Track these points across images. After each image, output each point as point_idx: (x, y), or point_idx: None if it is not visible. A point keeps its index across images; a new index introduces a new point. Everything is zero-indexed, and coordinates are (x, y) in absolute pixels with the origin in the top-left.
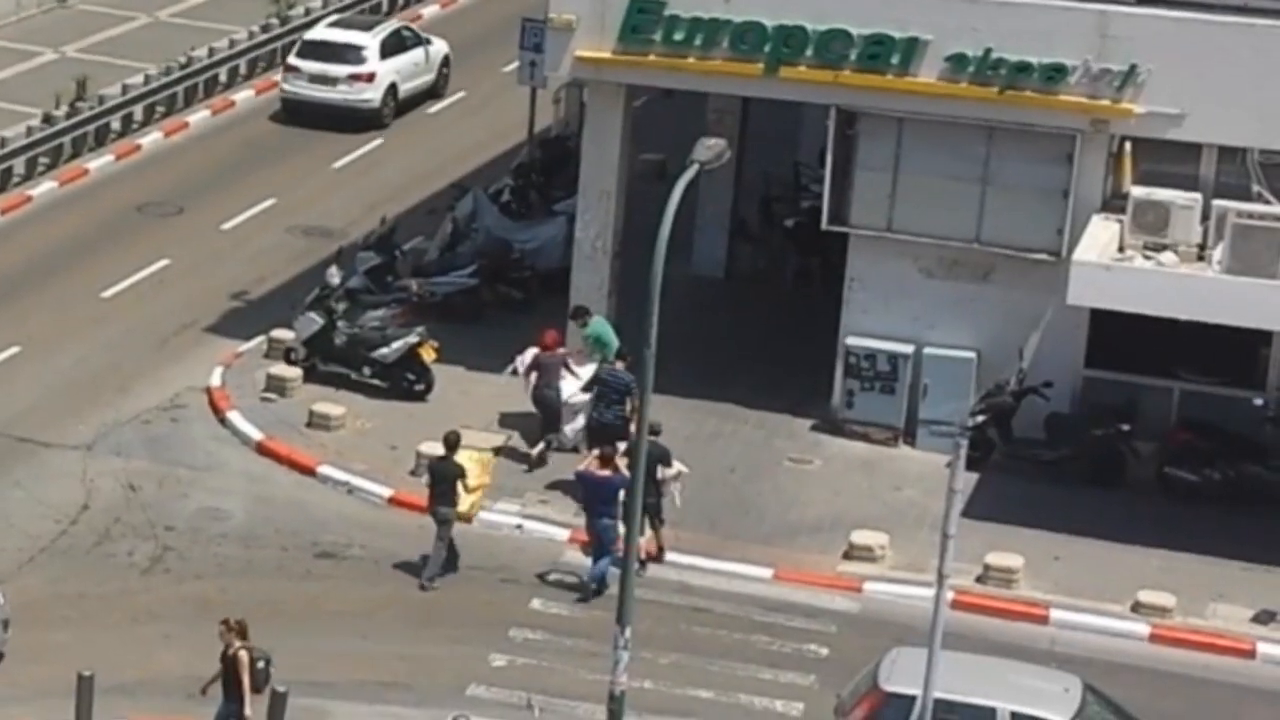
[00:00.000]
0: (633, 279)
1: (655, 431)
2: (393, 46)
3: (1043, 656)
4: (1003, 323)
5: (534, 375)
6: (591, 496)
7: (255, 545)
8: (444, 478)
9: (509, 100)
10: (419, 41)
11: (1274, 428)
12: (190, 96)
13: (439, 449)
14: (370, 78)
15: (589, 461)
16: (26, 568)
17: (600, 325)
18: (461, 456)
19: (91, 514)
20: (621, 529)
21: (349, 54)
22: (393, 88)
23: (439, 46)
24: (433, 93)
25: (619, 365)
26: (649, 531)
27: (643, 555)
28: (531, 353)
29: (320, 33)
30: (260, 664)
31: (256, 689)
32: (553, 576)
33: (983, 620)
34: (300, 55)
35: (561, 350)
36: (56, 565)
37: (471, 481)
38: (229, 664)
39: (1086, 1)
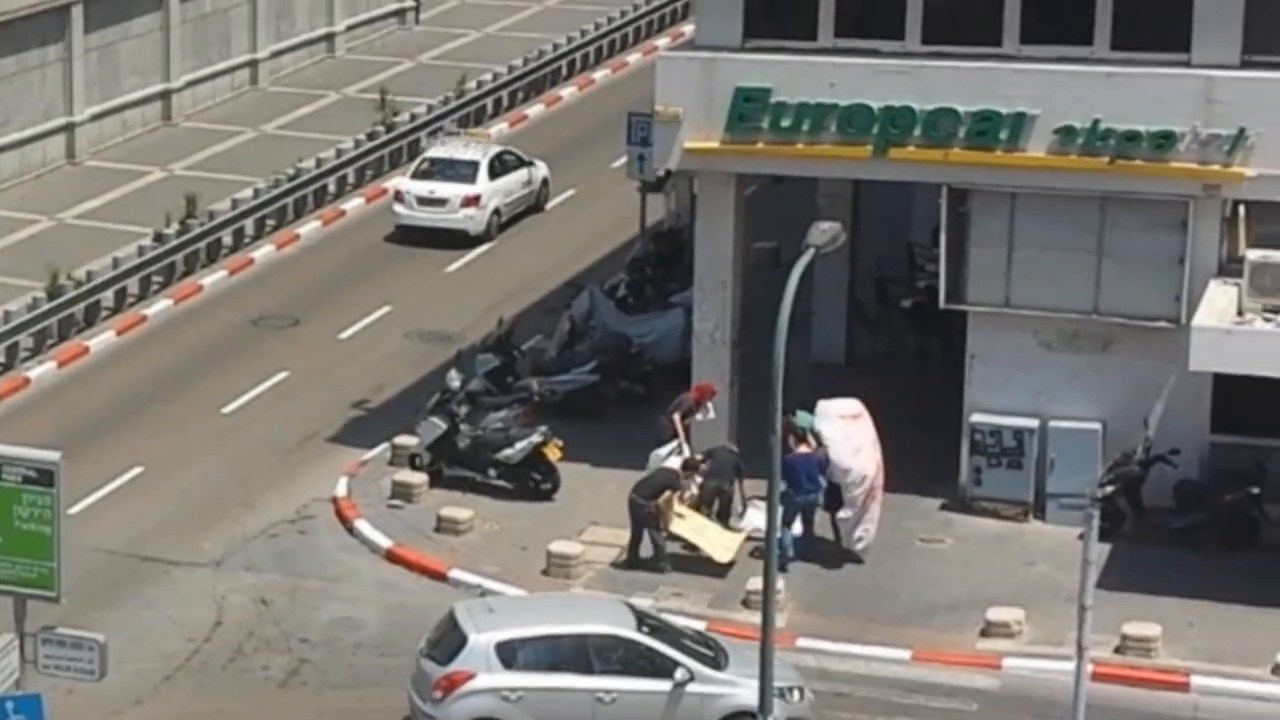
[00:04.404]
0: (753, 368)
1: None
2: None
3: None
4: (1126, 392)
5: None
6: (791, 476)
7: (391, 653)
8: (650, 480)
9: (618, 196)
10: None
11: None
12: (300, 208)
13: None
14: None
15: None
16: (162, 687)
17: (804, 417)
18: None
19: (225, 630)
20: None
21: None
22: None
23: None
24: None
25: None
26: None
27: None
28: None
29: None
30: None
31: None
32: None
33: (1124, 691)
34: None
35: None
36: (192, 683)
37: (685, 522)
38: None
39: (1191, 68)
